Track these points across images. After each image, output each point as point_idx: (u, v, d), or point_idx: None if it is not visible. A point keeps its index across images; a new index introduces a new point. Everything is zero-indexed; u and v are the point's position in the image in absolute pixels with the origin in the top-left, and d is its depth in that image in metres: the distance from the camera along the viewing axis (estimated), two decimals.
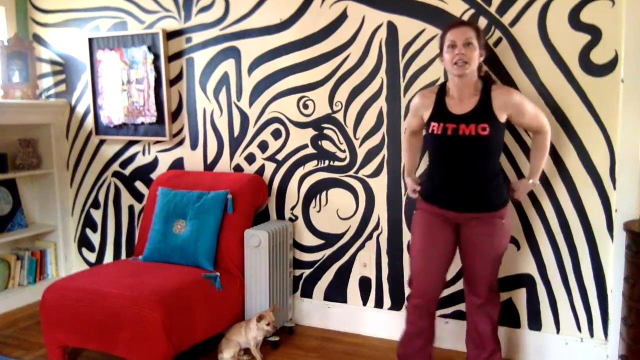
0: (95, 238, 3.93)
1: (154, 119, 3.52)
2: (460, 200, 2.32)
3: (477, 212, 2.32)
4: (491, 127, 2.23)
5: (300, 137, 3.19)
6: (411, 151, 2.66)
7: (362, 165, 3.06)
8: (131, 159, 3.71)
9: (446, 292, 2.92)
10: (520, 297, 2.80)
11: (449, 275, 2.83)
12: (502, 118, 2.28)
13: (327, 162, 3.15)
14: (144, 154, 3.67)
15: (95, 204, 3.89)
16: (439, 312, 2.94)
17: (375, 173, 3.04)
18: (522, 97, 2.35)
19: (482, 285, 2.40)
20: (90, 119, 3.77)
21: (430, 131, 2.34)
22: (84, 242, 3.98)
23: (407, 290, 3.03)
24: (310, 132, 3.16)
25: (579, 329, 2.71)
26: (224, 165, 3.42)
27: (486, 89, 2.30)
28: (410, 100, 2.67)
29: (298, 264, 3.29)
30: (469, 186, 2.30)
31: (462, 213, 2.33)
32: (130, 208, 3.77)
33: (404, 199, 2.99)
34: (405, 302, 2.84)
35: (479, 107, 2.26)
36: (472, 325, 2.48)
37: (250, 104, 3.29)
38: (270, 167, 3.30)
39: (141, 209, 3.71)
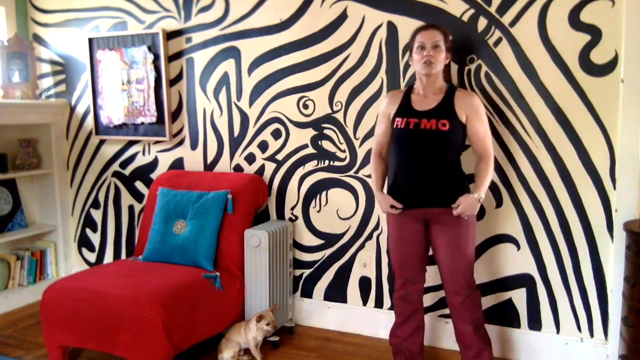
0: (95, 238, 3.93)
1: (154, 119, 3.52)
2: (423, 195, 2.42)
3: (439, 207, 2.40)
4: (451, 124, 2.36)
5: (300, 137, 3.19)
6: (378, 172, 2.62)
7: (362, 165, 3.06)
8: (131, 159, 3.71)
9: None
10: (520, 297, 2.80)
11: None
12: (462, 118, 2.40)
13: (327, 162, 3.15)
14: (144, 154, 3.67)
15: (95, 204, 3.89)
16: (439, 312, 2.96)
17: None
18: (483, 107, 2.45)
19: (458, 283, 2.44)
20: (90, 119, 3.77)
21: (394, 126, 2.48)
22: (84, 242, 3.98)
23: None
24: (310, 132, 3.16)
25: (579, 329, 2.71)
26: (224, 165, 3.42)
27: (450, 91, 2.44)
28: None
29: (298, 264, 3.29)
30: (430, 179, 2.41)
31: (427, 209, 2.43)
32: (130, 208, 3.77)
33: None
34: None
35: (441, 105, 2.40)
36: (455, 324, 2.53)
37: (250, 104, 3.29)
38: (270, 167, 3.30)
39: (141, 209, 3.71)
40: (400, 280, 2.56)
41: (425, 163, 2.41)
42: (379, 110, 2.63)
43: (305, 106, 3.15)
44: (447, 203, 2.38)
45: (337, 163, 3.13)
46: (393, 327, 2.64)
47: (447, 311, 2.92)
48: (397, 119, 2.46)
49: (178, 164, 3.56)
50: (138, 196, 3.72)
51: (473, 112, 2.40)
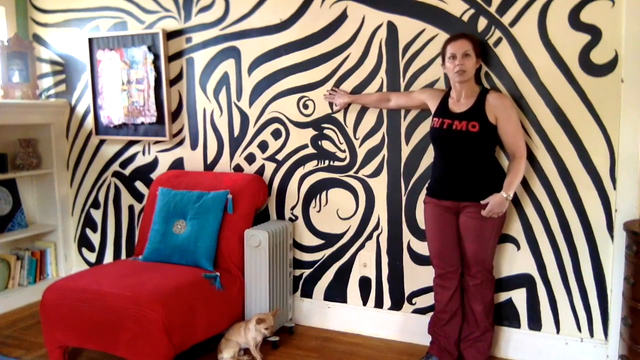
0: (95, 238, 3.93)
1: (154, 119, 3.52)
2: (454, 189, 2.58)
3: (469, 201, 2.54)
4: (480, 125, 2.49)
5: (300, 137, 3.19)
6: (371, 95, 2.92)
7: (362, 165, 3.06)
8: (131, 159, 3.71)
9: None
10: (520, 297, 2.80)
11: None
12: (492, 119, 2.51)
13: (327, 162, 3.15)
14: (144, 154, 3.67)
15: (95, 204, 3.89)
16: None
17: (375, 173, 3.04)
18: (514, 108, 2.56)
19: (477, 269, 2.62)
20: (90, 119, 3.77)
21: (431, 125, 2.65)
22: (84, 242, 3.98)
23: (407, 289, 3.05)
24: (310, 132, 3.16)
25: (579, 329, 2.71)
26: (224, 165, 3.42)
27: (482, 94, 2.56)
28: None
29: (298, 264, 3.29)
30: (460, 175, 2.56)
31: (456, 202, 2.58)
32: (130, 208, 3.77)
33: (404, 199, 2.99)
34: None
35: (472, 108, 2.54)
36: (467, 304, 2.70)
37: (250, 104, 3.29)
38: (270, 167, 3.30)
39: (141, 209, 3.71)
40: (437, 268, 2.72)
41: (456, 160, 2.56)
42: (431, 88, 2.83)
43: (305, 106, 3.15)
44: (476, 197, 2.52)
45: (337, 163, 3.13)
46: (432, 315, 2.79)
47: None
48: (434, 119, 2.63)
49: (178, 164, 3.56)
50: (138, 196, 3.72)
51: (503, 113, 2.50)
